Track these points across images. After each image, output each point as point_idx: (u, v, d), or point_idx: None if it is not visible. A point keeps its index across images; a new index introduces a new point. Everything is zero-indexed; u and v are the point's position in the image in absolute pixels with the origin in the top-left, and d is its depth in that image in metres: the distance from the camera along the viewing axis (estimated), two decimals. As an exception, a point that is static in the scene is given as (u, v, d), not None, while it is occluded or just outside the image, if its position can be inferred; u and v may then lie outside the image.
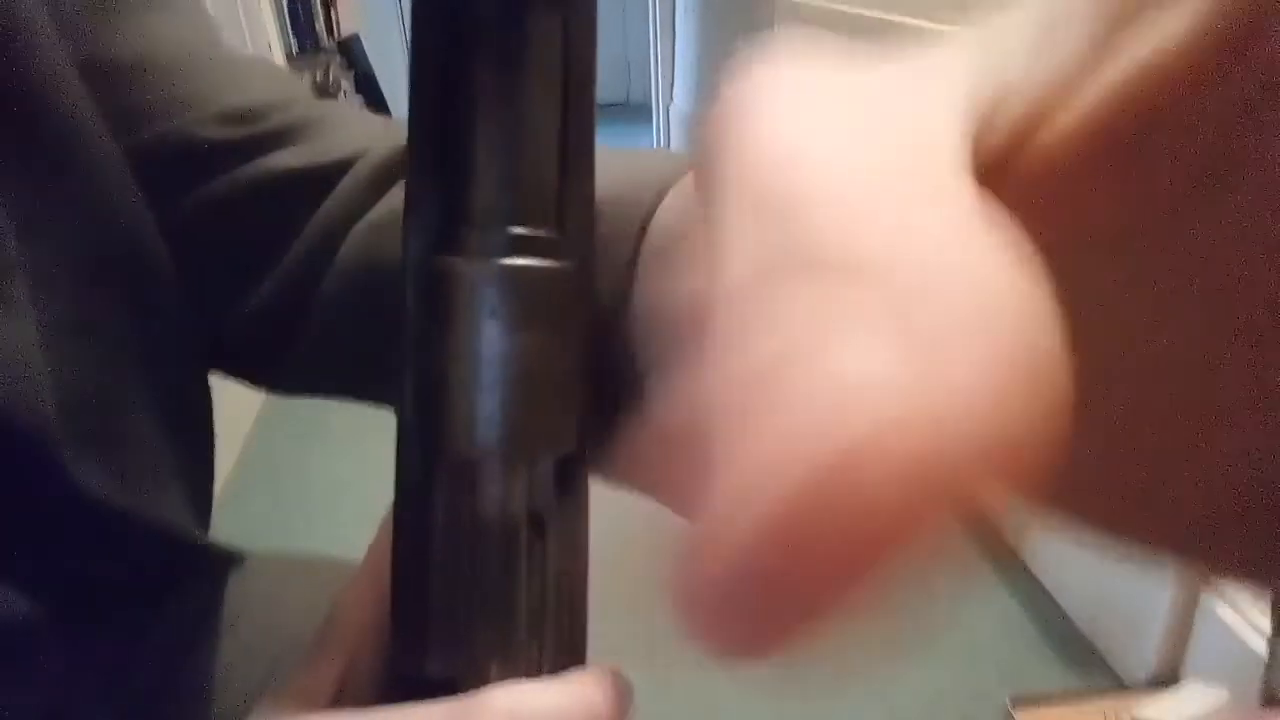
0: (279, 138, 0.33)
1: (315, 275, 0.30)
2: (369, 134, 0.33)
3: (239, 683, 0.48)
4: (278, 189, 0.32)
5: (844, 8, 1.58)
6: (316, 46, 2.69)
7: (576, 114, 0.20)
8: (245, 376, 0.36)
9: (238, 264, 0.33)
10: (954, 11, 1.32)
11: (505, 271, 0.19)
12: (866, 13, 1.49)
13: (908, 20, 1.35)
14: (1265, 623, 0.86)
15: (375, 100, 3.07)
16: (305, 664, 0.21)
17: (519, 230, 0.19)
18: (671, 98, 3.44)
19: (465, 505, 0.19)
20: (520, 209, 0.19)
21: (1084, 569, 1.15)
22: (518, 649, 0.19)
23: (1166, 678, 1.00)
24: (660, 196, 0.24)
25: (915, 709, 1.07)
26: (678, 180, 0.24)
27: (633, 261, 0.24)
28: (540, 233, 0.19)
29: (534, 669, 0.19)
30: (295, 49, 2.55)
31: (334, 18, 3.05)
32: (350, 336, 0.31)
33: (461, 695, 0.18)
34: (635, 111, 4.08)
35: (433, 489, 0.19)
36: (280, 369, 0.34)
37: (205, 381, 0.34)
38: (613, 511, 0.29)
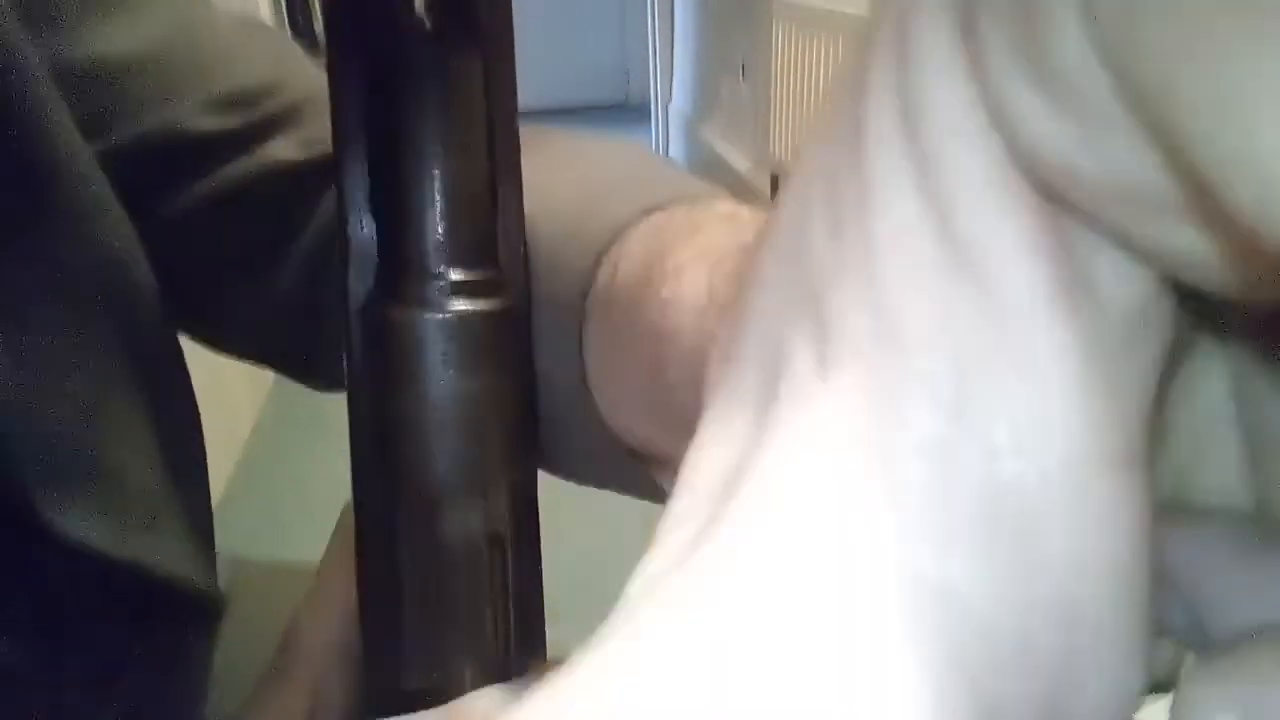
0: (274, 124, 0.32)
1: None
2: None
3: (235, 688, 0.48)
4: (279, 181, 0.31)
5: (841, 9, 1.58)
6: (315, 42, 2.68)
7: (503, 148, 0.20)
8: (294, 376, 0.36)
9: (246, 261, 0.32)
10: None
11: (451, 319, 0.19)
12: (864, 13, 1.49)
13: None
14: (1264, 624, 0.86)
15: (373, 100, 3.06)
16: (270, 691, 0.22)
17: (460, 275, 0.20)
18: (670, 98, 3.44)
19: (429, 533, 0.20)
20: (460, 254, 0.20)
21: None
22: (488, 656, 0.21)
23: (1166, 679, 1.00)
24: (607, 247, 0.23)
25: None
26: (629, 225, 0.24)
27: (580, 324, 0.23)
28: (481, 275, 0.20)
29: (504, 673, 0.20)
30: (293, 49, 2.55)
31: (332, 17, 3.05)
32: None
33: (445, 705, 0.19)
34: (634, 112, 4.08)
35: (397, 520, 0.20)
36: (321, 361, 0.33)
37: (194, 410, 0.33)
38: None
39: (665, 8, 3.25)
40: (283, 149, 0.31)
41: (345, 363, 0.21)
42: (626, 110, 4.32)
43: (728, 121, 2.76)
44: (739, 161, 2.59)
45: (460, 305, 0.19)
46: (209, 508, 0.34)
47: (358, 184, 0.20)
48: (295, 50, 0.36)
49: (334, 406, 0.39)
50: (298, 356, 0.35)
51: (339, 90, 0.20)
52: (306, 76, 0.34)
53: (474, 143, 0.20)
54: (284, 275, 0.32)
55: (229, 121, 0.31)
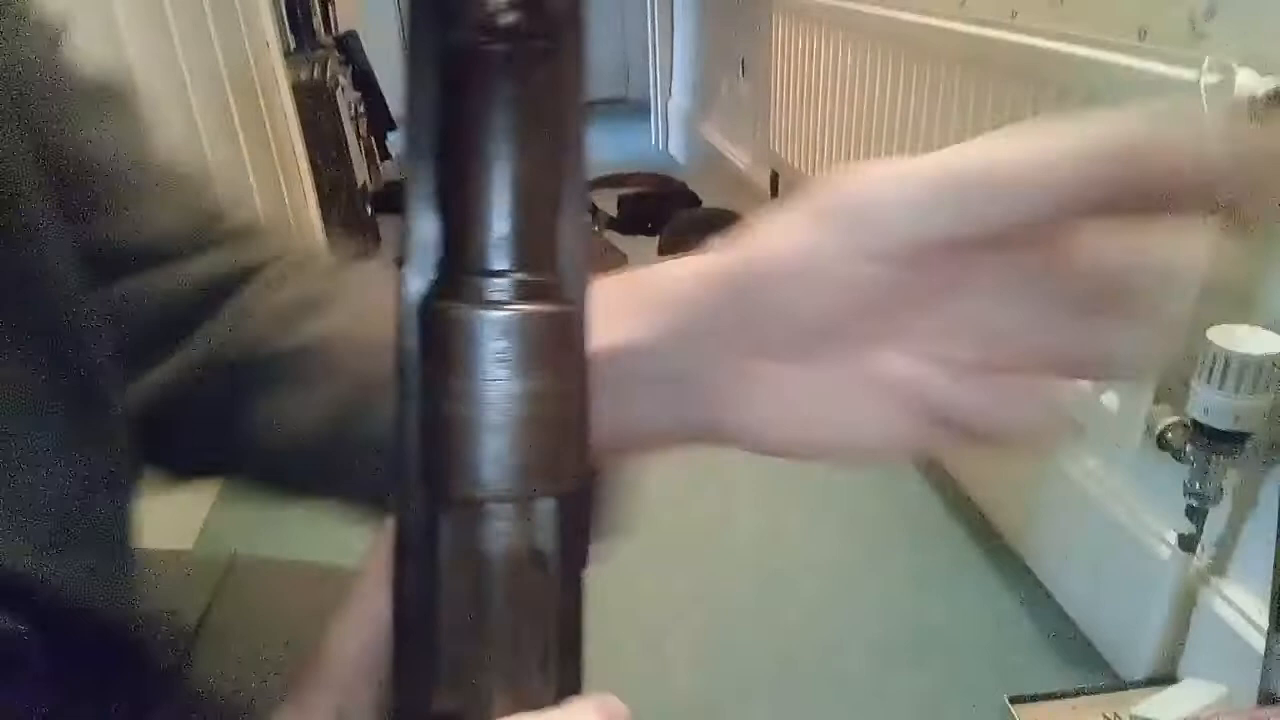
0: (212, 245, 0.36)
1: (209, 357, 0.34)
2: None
3: (228, 686, 0.48)
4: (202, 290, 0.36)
5: (841, 4, 1.57)
6: (314, 43, 2.68)
7: (569, 155, 0.20)
8: (151, 458, 0.37)
9: (152, 343, 0.35)
10: (951, 6, 1.32)
11: (512, 318, 0.19)
12: (863, 9, 1.49)
13: (905, 16, 1.35)
14: (1263, 620, 0.86)
15: (373, 96, 3.06)
16: (298, 704, 0.21)
17: (523, 276, 0.19)
18: (670, 94, 3.44)
19: (470, 544, 0.19)
20: (523, 256, 0.19)
21: (1083, 567, 1.15)
22: (521, 683, 0.20)
23: (1164, 676, 1.00)
24: None
25: (915, 708, 1.07)
26: None
27: None
28: (542, 278, 0.20)
29: (536, 701, 0.20)
30: (293, 45, 2.55)
31: (331, 14, 3.04)
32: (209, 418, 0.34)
33: None
34: (634, 107, 4.08)
35: (438, 528, 0.20)
36: (176, 448, 0.36)
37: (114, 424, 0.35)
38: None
39: (665, 5, 3.24)
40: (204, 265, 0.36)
41: (395, 364, 0.20)
42: (627, 106, 4.32)
43: (727, 117, 2.75)
44: (739, 157, 2.58)
45: (519, 305, 0.19)
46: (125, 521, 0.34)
47: (424, 180, 0.20)
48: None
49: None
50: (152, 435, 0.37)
51: (413, 86, 0.20)
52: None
53: (542, 147, 0.20)
54: (173, 361, 0.34)
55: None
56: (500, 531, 0.19)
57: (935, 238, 0.21)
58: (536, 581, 0.20)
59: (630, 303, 0.26)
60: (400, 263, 0.20)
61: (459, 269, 0.19)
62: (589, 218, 0.21)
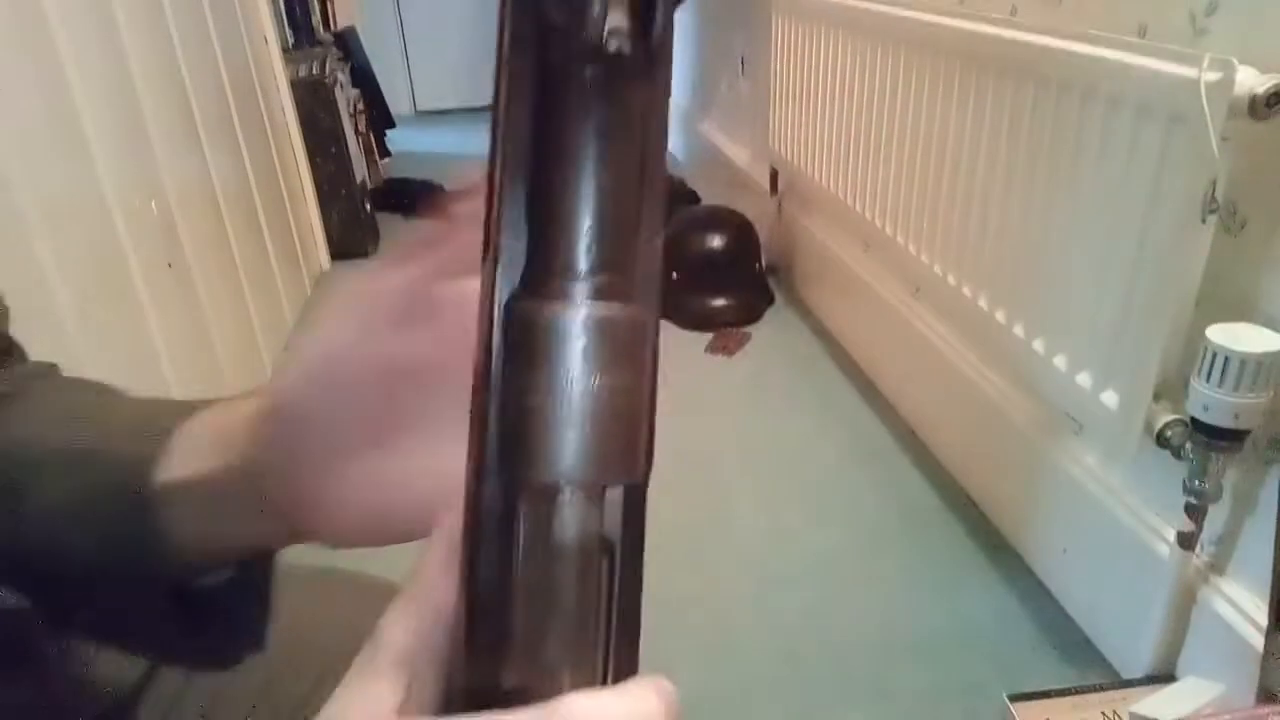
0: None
1: None
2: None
3: (237, 688, 0.48)
4: None
5: (840, 1, 1.57)
6: (313, 39, 2.68)
7: (651, 173, 0.22)
8: None
9: None
10: (951, 3, 1.32)
11: (594, 316, 0.21)
12: (863, 6, 1.49)
13: (905, 14, 1.35)
14: (1262, 618, 0.86)
15: (371, 92, 3.06)
16: (357, 686, 0.22)
17: (605, 279, 0.21)
18: (668, 93, 3.43)
19: (545, 529, 0.21)
20: (606, 260, 0.21)
21: (1082, 565, 1.15)
22: (587, 661, 0.21)
23: (1163, 673, 1.00)
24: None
25: (915, 706, 1.07)
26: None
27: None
28: (621, 284, 0.21)
29: (600, 680, 0.21)
30: (291, 42, 2.54)
31: (330, 11, 3.04)
32: None
33: (542, 704, 0.20)
34: (633, 105, 4.07)
35: (514, 515, 0.21)
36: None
37: None
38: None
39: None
40: None
41: (481, 361, 0.22)
42: (625, 103, 4.31)
43: (727, 115, 2.75)
44: (738, 155, 2.58)
45: (603, 306, 0.21)
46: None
47: (515, 189, 0.21)
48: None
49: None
50: None
51: (510, 96, 0.21)
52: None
53: (630, 165, 0.21)
54: None
55: None
56: (574, 518, 0.21)
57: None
58: (604, 567, 0.21)
59: (213, 433, 0.33)
60: (492, 267, 0.22)
61: (546, 271, 0.21)
62: (662, 236, 0.23)
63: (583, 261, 0.21)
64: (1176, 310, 0.86)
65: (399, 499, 0.30)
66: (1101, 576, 1.11)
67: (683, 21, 2.72)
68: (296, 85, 2.36)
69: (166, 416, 0.35)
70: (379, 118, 3.15)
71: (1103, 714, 0.97)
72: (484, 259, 0.22)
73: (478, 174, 0.23)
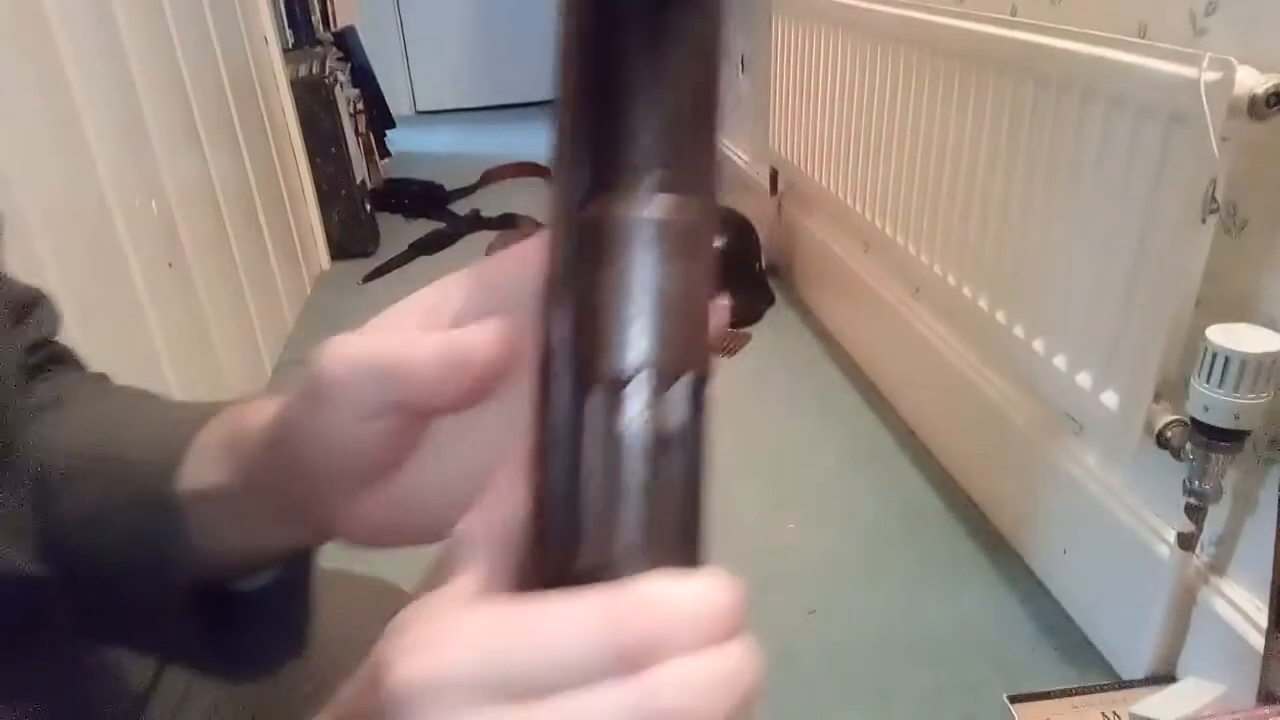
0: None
1: None
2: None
3: (242, 689, 0.48)
4: None
5: (840, 0, 1.57)
6: (313, 39, 2.67)
7: (714, 92, 0.23)
8: None
9: None
10: (951, 3, 1.32)
11: (658, 212, 0.22)
12: (863, 6, 1.49)
13: (905, 13, 1.35)
14: (1262, 619, 0.86)
15: (371, 91, 3.05)
16: (440, 576, 0.23)
17: (667, 175, 0.22)
18: None
19: (616, 419, 0.21)
20: (670, 159, 0.22)
21: (1082, 566, 1.15)
22: (655, 547, 0.21)
23: (1164, 674, 1.00)
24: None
25: (915, 707, 1.07)
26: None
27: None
28: (682, 187, 0.22)
29: (668, 565, 0.21)
30: (291, 42, 2.54)
31: (330, 10, 3.04)
32: None
33: (616, 583, 0.20)
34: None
35: (584, 405, 0.22)
36: None
37: None
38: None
39: (664, 1, 3.24)
40: None
41: (548, 264, 0.23)
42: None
43: (727, 115, 2.75)
44: (738, 154, 2.58)
45: (666, 202, 0.22)
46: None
47: (579, 93, 0.23)
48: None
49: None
50: None
51: (568, 22, 0.23)
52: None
53: (689, 76, 0.23)
54: None
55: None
56: (640, 409, 0.21)
57: (382, 404, 0.27)
58: (670, 459, 0.22)
59: (224, 445, 0.34)
60: (559, 173, 0.23)
61: (611, 171, 0.22)
62: (718, 138, 0.24)
63: (646, 159, 0.22)
64: (1176, 310, 0.86)
65: (432, 501, 0.30)
66: (1102, 577, 1.11)
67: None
68: (296, 85, 2.36)
69: (188, 423, 0.35)
70: (379, 118, 3.15)
71: (1103, 714, 0.97)
72: (553, 167, 0.23)
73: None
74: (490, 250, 2.38)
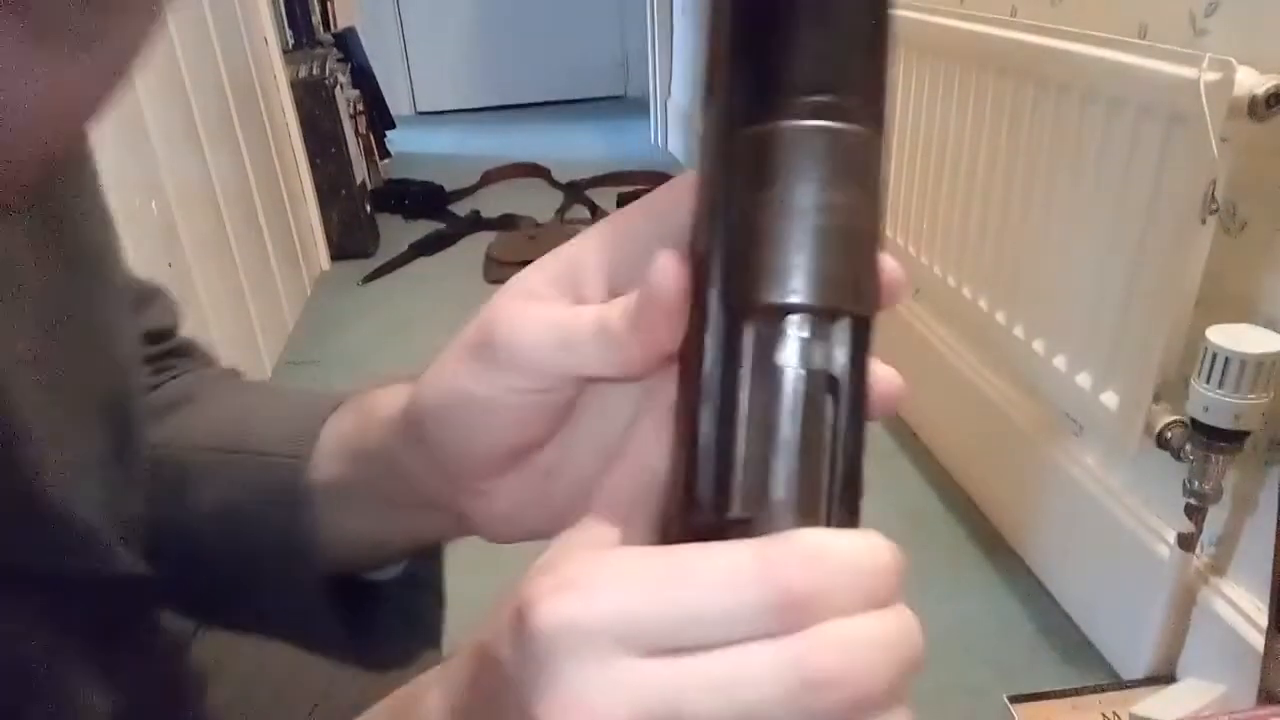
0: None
1: None
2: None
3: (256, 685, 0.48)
4: None
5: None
6: (313, 40, 2.68)
7: (884, 12, 0.21)
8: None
9: None
10: (951, 3, 1.32)
11: (824, 132, 0.20)
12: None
13: (904, 14, 1.35)
14: (1262, 619, 0.86)
15: (371, 92, 3.05)
16: (577, 529, 0.23)
17: (834, 98, 0.20)
18: (669, 92, 3.43)
19: (769, 358, 0.20)
20: (836, 79, 0.20)
21: (1082, 566, 1.15)
22: (811, 500, 0.20)
23: (1164, 675, 1.00)
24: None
25: (915, 707, 1.06)
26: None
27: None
28: (852, 101, 0.20)
29: (824, 522, 0.20)
30: (291, 43, 2.54)
31: (330, 11, 3.04)
32: None
33: (767, 535, 0.19)
34: (633, 105, 4.08)
35: (739, 341, 0.20)
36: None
37: None
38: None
39: (664, 3, 3.24)
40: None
41: (701, 189, 0.21)
42: (625, 104, 4.32)
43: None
44: (738, 156, 2.58)
45: (832, 123, 0.20)
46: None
47: (743, 12, 0.21)
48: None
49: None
50: None
51: None
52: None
53: (854, 5, 0.21)
54: None
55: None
56: (800, 345, 0.20)
57: (564, 374, 0.25)
58: (828, 404, 0.20)
59: (353, 434, 0.33)
60: (717, 96, 0.21)
61: (773, 90, 0.20)
62: (888, 60, 0.22)
63: (811, 77, 0.20)
64: (1176, 311, 0.86)
65: (573, 482, 0.28)
66: (1101, 577, 1.11)
67: (684, 21, 2.73)
68: (296, 86, 2.36)
69: (318, 413, 0.35)
70: (379, 118, 3.15)
71: (1103, 715, 0.97)
72: (706, 92, 0.21)
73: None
74: (491, 250, 2.38)
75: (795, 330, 0.20)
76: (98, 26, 0.18)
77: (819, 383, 0.20)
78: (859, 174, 0.20)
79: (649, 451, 0.23)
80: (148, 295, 0.44)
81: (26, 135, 0.18)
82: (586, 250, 0.26)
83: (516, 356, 0.25)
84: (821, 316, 0.20)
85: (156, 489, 0.36)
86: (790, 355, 0.20)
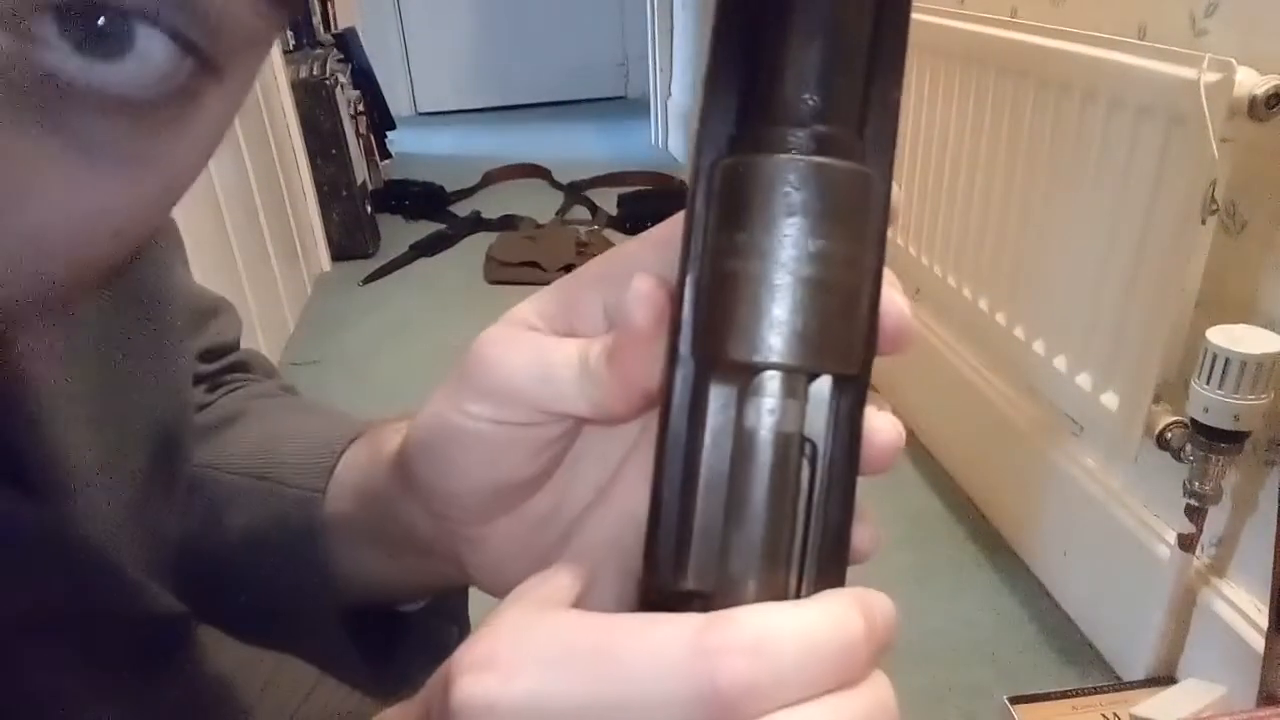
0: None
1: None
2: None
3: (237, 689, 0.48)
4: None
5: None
6: (313, 41, 2.68)
7: (890, 19, 0.19)
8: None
9: None
10: (951, 4, 1.32)
11: (808, 165, 0.17)
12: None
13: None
14: (1262, 620, 0.86)
15: (371, 94, 3.06)
16: (541, 578, 0.22)
17: (827, 130, 0.18)
18: (670, 93, 3.44)
19: (740, 417, 0.18)
20: (827, 109, 0.18)
21: (1082, 567, 1.15)
22: (777, 573, 0.18)
23: (1164, 676, 1.00)
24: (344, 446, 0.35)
25: (915, 708, 1.07)
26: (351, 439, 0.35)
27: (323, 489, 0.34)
28: (845, 136, 0.18)
29: (791, 595, 0.18)
30: (292, 43, 2.54)
31: (330, 11, 3.04)
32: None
33: (715, 612, 0.17)
34: (633, 106, 4.08)
35: (706, 398, 0.18)
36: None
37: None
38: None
39: (665, 3, 3.24)
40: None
41: (685, 230, 0.19)
42: (626, 104, 4.32)
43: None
44: (739, 156, 2.58)
45: (823, 159, 0.18)
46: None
47: (732, 35, 0.19)
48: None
49: (337, 397, 0.39)
50: None
51: None
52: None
53: (857, 12, 0.18)
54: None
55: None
56: (770, 407, 0.18)
57: (544, 407, 0.23)
58: (802, 471, 0.18)
59: (357, 472, 0.33)
60: (703, 125, 0.19)
61: (760, 121, 0.18)
62: (900, 94, 0.19)
63: (801, 108, 0.18)
64: (1176, 312, 0.86)
65: (559, 542, 0.27)
66: (1102, 578, 1.11)
67: (685, 21, 2.73)
68: (297, 86, 2.36)
69: (336, 447, 0.35)
70: (380, 119, 3.15)
71: (1103, 716, 0.97)
72: (700, 115, 0.19)
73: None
74: (491, 251, 2.38)
75: (766, 390, 0.18)
76: (147, 149, 0.17)
77: (791, 447, 0.18)
78: (849, 217, 0.18)
79: (631, 496, 0.22)
80: (209, 310, 0.44)
81: (67, 253, 0.17)
82: (583, 283, 0.25)
83: (496, 386, 0.24)
84: (797, 376, 0.18)
85: (194, 509, 0.36)
86: (759, 417, 0.18)
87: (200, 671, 0.42)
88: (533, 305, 0.25)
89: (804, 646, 0.16)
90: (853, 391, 0.19)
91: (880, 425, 0.21)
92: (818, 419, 0.18)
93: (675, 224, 0.22)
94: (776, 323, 0.17)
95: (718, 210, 0.18)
